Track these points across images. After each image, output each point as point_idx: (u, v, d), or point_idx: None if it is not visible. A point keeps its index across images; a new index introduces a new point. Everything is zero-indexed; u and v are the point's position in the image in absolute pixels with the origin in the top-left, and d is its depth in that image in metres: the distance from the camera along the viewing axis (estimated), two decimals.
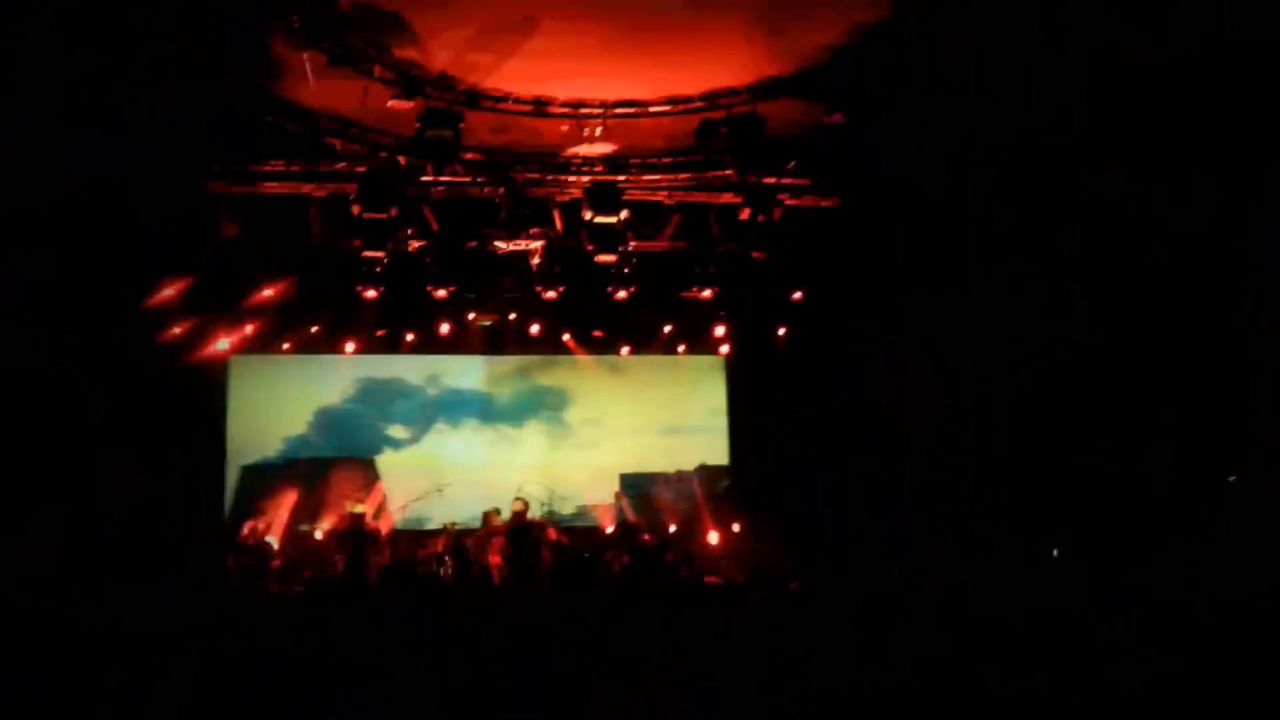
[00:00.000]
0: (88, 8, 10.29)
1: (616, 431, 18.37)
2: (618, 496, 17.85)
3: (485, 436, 18.13)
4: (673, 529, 17.19)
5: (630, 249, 14.90)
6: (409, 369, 17.99)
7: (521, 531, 15.07)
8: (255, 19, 10.72)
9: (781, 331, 17.83)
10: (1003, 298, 15.34)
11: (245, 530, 15.07)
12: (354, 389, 17.76)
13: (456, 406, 18.16)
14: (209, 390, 16.52)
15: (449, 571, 14.86)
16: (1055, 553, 13.76)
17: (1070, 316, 14.86)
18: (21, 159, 12.06)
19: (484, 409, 18.22)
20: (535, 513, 15.95)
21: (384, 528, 15.96)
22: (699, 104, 12.87)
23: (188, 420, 15.87)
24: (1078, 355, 14.97)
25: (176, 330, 15.38)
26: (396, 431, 17.86)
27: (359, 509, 15.27)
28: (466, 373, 18.21)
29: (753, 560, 16.09)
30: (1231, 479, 14.30)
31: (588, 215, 13.97)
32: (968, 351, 15.81)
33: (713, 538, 17.02)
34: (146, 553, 13.94)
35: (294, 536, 16.05)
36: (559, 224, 14.77)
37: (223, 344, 16.18)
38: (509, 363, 18.24)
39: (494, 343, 17.70)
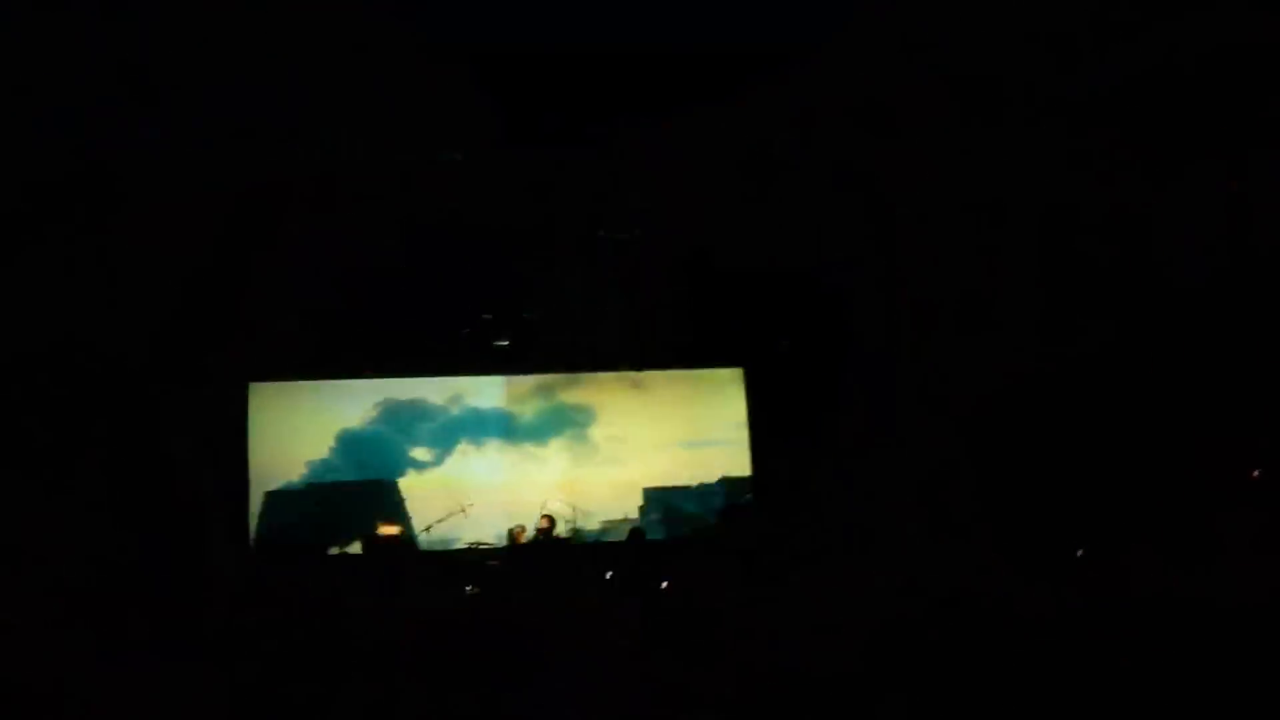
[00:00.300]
0: None
1: (638, 447, 18.33)
2: (641, 511, 17.81)
3: (507, 456, 18.08)
4: None
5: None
6: (428, 391, 17.97)
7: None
8: None
9: (800, 341, 17.79)
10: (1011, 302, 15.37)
11: None
12: (374, 412, 17.73)
13: (477, 427, 18.13)
14: (231, 415, 16.48)
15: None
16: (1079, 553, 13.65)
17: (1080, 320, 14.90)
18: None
19: (505, 428, 18.18)
20: (561, 530, 15.92)
21: (408, 550, 15.92)
22: None
23: (210, 444, 15.80)
24: (1091, 357, 15.02)
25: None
26: (418, 454, 17.81)
27: (389, 531, 15.26)
28: (486, 393, 18.19)
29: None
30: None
31: None
32: (986, 355, 15.82)
33: None
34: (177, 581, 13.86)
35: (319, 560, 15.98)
36: None
37: (244, 369, 16.16)
38: (529, 381, 18.23)
39: (513, 361, 17.70)
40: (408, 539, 16.33)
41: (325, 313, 15.81)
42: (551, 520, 15.42)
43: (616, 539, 17.14)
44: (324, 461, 17.28)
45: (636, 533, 15.67)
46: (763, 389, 18.44)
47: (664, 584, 14.59)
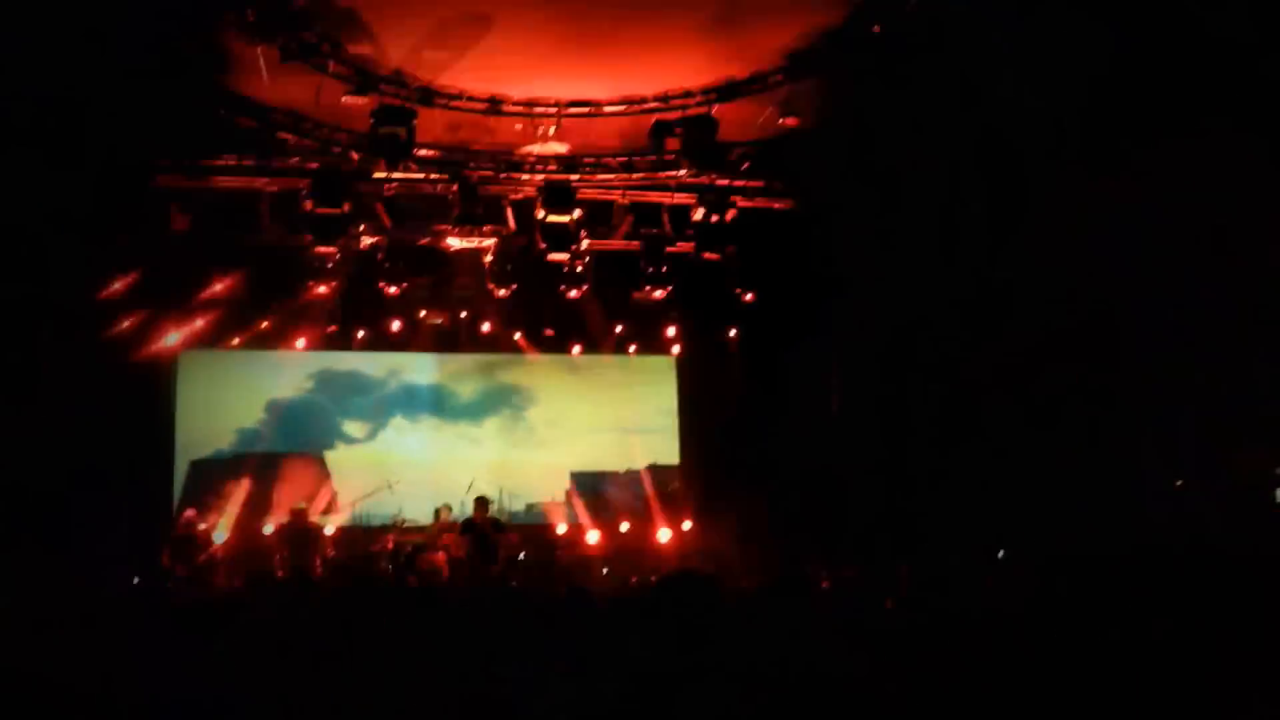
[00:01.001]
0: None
1: (569, 430, 18.42)
2: (568, 494, 17.89)
3: (437, 433, 18.12)
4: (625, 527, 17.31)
5: (583, 248, 14.95)
6: (360, 365, 17.95)
7: (480, 530, 15.02)
8: (209, 13, 10.68)
9: (733, 333, 17.93)
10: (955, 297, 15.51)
11: (183, 518, 14.99)
12: (304, 385, 17.69)
13: (408, 404, 18.15)
14: (158, 385, 16.41)
15: (390, 569, 14.82)
16: (1000, 554, 13.85)
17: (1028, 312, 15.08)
18: None
19: (436, 406, 18.21)
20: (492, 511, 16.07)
21: (332, 524, 15.95)
22: (653, 104, 12.93)
23: (137, 415, 15.72)
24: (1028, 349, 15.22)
25: (126, 324, 15.24)
26: (347, 428, 17.80)
27: (302, 505, 15.26)
28: (417, 370, 18.19)
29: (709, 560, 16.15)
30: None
31: (541, 214, 14.00)
32: (917, 352, 15.98)
33: (663, 535, 17.06)
34: (94, 546, 13.81)
35: (243, 532, 15.96)
36: (512, 222, 14.79)
37: (172, 338, 16.08)
38: (461, 360, 18.24)
39: (445, 340, 17.68)
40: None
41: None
42: (486, 503, 15.39)
43: (538, 522, 17.28)
44: (252, 431, 17.24)
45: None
46: (694, 378, 18.57)
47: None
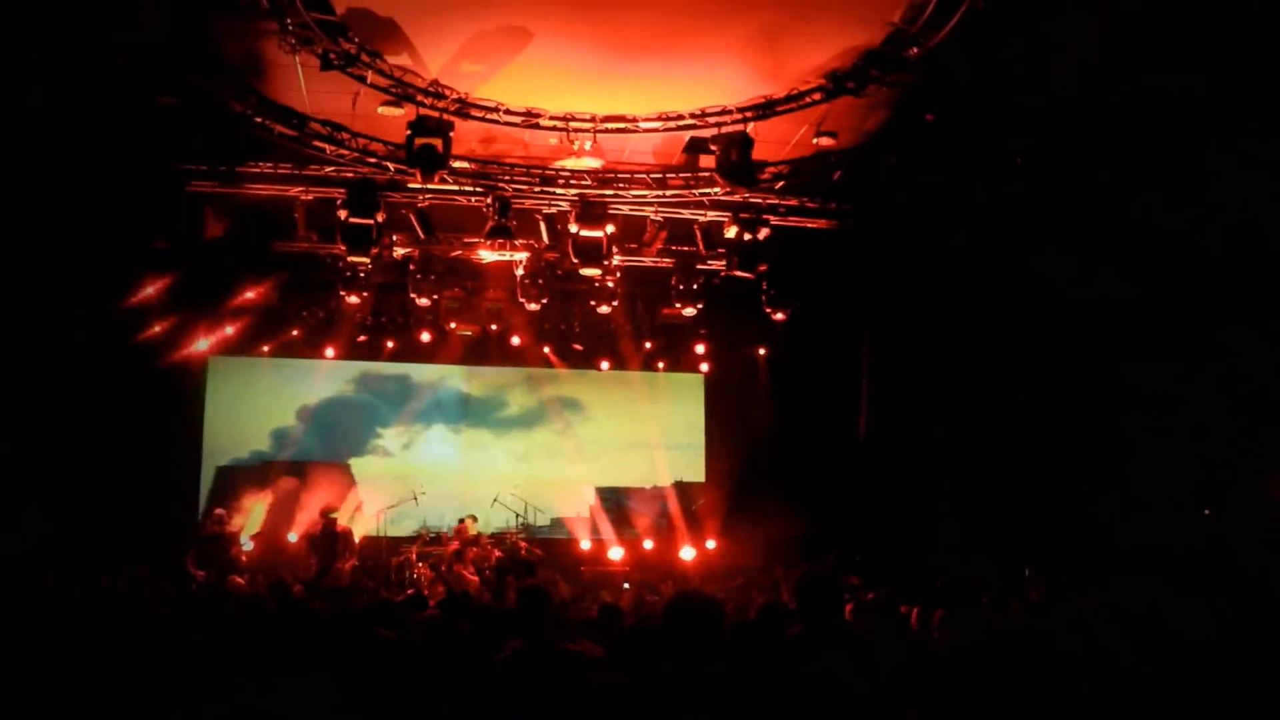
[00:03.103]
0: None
1: (595, 445, 18.43)
2: (593, 510, 17.88)
3: (464, 446, 18.17)
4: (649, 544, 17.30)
5: (614, 264, 14.93)
6: (389, 375, 18.00)
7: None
8: (251, 21, 10.71)
9: (762, 352, 17.90)
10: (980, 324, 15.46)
11: (214, 516, 15.05)
12: (333, 394, 17.79)
13: (435, 415, 18.20)
14: (188, 390, 16.49)
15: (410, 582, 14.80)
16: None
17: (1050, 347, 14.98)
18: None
19: (463, 418, 18.27)
20: (511, 524, 16.08)
21: (357, 533, 15.97)
22: (689, 121, 12.89)
23: (166, 419, 15.78)
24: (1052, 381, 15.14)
25: (157, 329, 15.29)
26: (374, 437, 17.87)
27: (332, 515, 15.29)
28: (446, 382, 18.24)
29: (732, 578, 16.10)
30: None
31: (574, 228, 13.98)
32: (948, 375, 15.93)
33: (686, 553, 17.02)
34: (122, 549, 13.83)
35: (269, 539, 16.01)
36: (545, 236, 14.77)
37: (203, 344, 16.17)
38: (490, 374, 18.27)
39: (475, 353, 17.68)
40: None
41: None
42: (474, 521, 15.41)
43: (563, 536, 17.27)
44: (279, 439, 17.29)
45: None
46: (722, 396, 18.57)
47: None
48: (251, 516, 16.32)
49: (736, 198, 14.26)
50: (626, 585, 16.08)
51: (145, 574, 12.14)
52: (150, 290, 14.85)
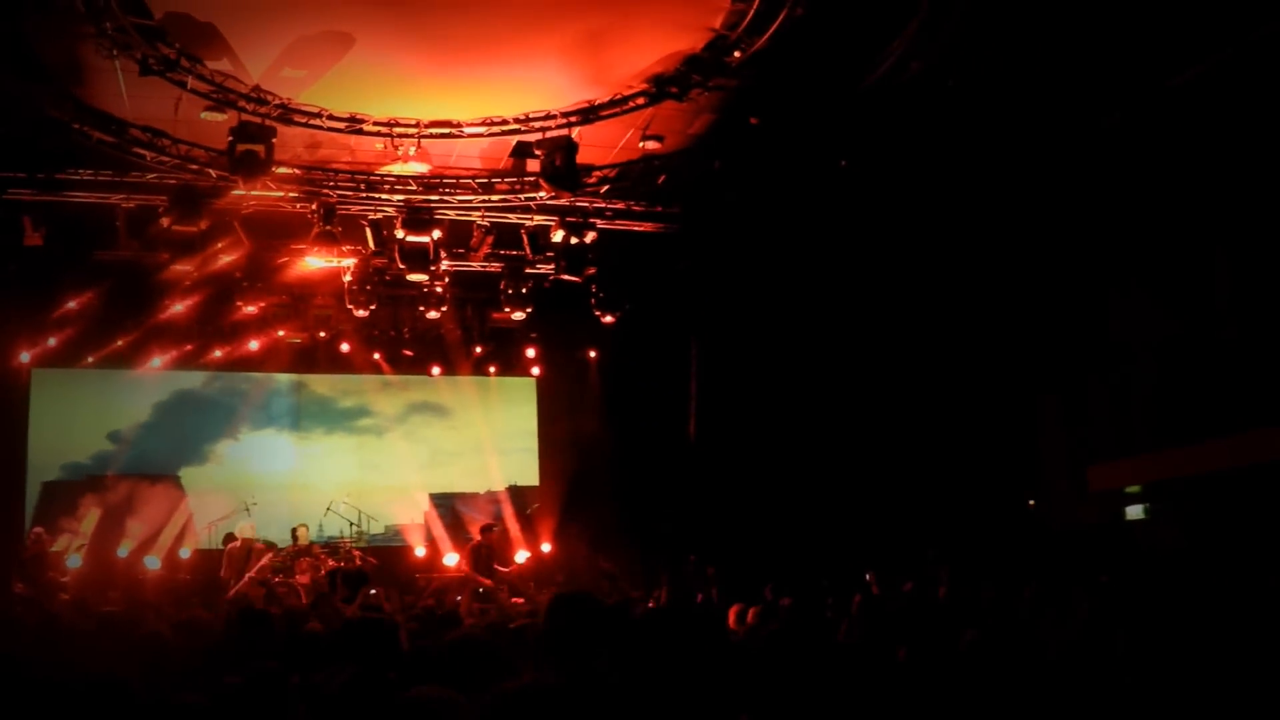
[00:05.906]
0: None
1: (428, 451, 18.49)
2: (426, 517, 17.91)
3: (296, 455, 18.06)
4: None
5: (442, 269, 15.04)
6: (219, 385, 17.83)
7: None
8: (68, 25, 10.60)
9: (593, 355, 18.17)
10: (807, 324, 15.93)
11: (31, 536, 14.76)
12: (161, 404, 17.53)
13: (266, 424, 18.09)
14: (12, 403, 16.15)
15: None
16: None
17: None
18: None
19: (294, 427, 18.18)
20: (345, 533, 16.06)
21: (189, 546, 15.78)
22: (514, 126, 13.07)
23: None
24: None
25: None
26: (204, 449, 17.69)
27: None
28: (275, 390, 18.14)
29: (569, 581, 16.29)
30: None
31: (400, 234, 14.05)
32: (777, 377, 16.38)
33: (520, 556, 17.14)
34: None
35: (98, 556, 15.72)
36: (371, 242, 14.81)
37: (24, 356, 15.88)
38: (321, 381, 18.22)
39: (304, 360, 17.62)
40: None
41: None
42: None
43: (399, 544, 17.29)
44: (107, 453, 17.02)
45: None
46: (553, 400, 18.77)
47: None
48: (78, 534, 15.99)
49: (563, 202, 14.47)
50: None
51: None
52: None
